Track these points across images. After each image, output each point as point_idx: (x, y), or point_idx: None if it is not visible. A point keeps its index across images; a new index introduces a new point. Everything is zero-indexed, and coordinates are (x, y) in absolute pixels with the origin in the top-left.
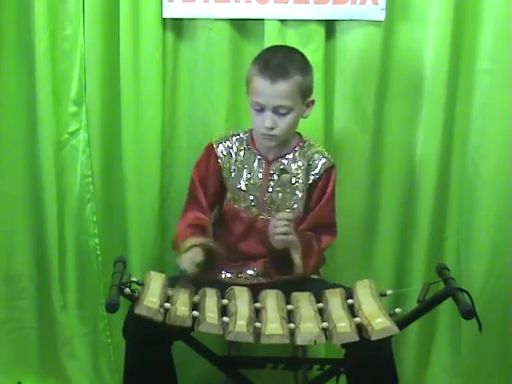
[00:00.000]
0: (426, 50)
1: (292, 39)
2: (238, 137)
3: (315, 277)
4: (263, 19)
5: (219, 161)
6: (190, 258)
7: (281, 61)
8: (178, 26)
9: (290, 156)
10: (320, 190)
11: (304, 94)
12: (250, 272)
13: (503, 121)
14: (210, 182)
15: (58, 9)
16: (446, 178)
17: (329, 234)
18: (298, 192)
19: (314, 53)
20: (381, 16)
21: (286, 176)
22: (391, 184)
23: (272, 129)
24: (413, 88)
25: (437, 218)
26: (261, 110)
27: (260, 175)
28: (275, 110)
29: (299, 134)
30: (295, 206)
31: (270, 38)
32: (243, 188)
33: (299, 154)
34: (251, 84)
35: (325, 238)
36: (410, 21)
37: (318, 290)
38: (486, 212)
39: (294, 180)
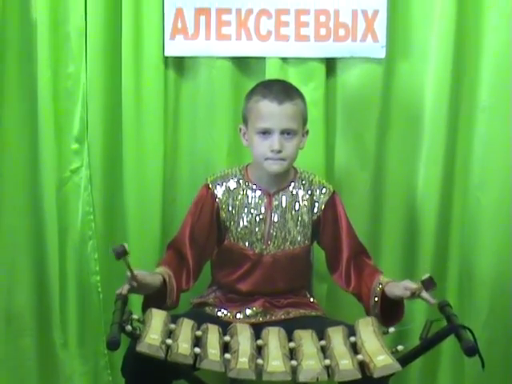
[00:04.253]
0: (427, 86)
1: (293, 77)
2: (234, 174)
3: (317, 314)
4: (264, 57)
5: (217, 200)
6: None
7: (282, 86)
8: (179, 64)
9: (290, 187)
10: (331, 219)
11: (304, 119)
12: (248, 312)
13: (504, 156)
14: (204, 225)
15: (61, 47)
16: (447, 214)
17: (369, 258)
18: (302, 224)
19: (314, 90)
20: (381, 53)
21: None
22: (392, 220)
23: (280, 152)
24: (413, 124)
25: (439, 253)
26: (267, 135)
27: (262, 209)
28: (282, 133)
29: (294, 167)
30: (299, 238)
31: (271, 76)
32: (246, 225)
33: (299, 186)
34: (254, 112)
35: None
36: (410, 58)
37: (320, 327)
38: (488, 247)
39: (298, 212)
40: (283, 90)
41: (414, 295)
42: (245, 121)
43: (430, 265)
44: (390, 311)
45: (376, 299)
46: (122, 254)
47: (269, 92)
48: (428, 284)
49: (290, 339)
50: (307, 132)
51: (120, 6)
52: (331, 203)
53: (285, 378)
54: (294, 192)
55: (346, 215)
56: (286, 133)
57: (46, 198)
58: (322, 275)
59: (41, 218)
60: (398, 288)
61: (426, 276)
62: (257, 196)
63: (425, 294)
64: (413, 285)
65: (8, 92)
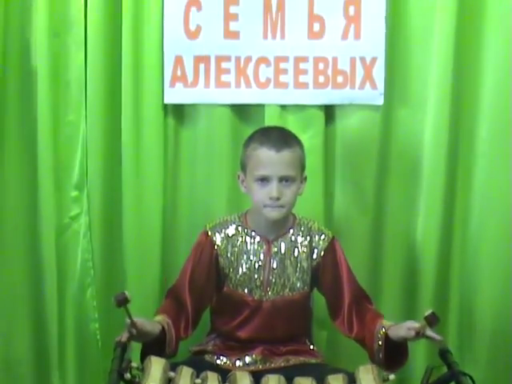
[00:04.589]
0: (425, 133)
1: (292, 124)
2: (233, 221)
3: (317, 361)
4: (263, 104)
5: (216, 247)
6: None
7: (280, 133)
8: (179, 111)
9: (289, 234)
10: (331, 265)
11: (302, 166)
12: (248, 359)
13: (504, 203)
14: (203, 272)
15: (61, 95)
16: (446, 261)
17: (371, 303)
18: (301, 270)
19: (313, 137)
20: (379, 100)
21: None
22: (392, 267)
23: (278, 199)
24: (412, 171)
25: (439, 299)
26: (265, 182)
27: (262, 256)
28: (280, 180)
29: (292, 213)
30: (299, 284)
31: (270, 123)
32: (245, 271)
33: (298, 232)
34: (252, 159)
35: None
36: (409, 105)
37: (321, 374)
38: (488, 295)
39: (297, 258)
40: (281, 137)
41: (419, 335)
42: (243, 168)
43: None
44: (393, 356)
45: (380, 343)
46: (123, 302)
47: (267, 139)
48: (432, 319)
49: None
50: (305, 178)
51: (120, 53)
52: (331, 249)
53: None
54: (293, 238)
55: (346, 261)
56: (284, 180)
57: (45, 244)
58: (322, 322)
59: (40, 265)
60: (402, 329)
61: (428, 312)
62: (256, 242)
63: (430, 332)
64: (416, 324)
65: (8, 139)
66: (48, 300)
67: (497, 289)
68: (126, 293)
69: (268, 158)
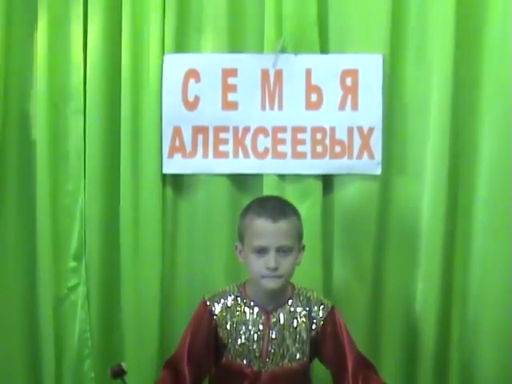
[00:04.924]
0: (423, 202)
1: (290, 193)
2: (231, 291)
3: None
4: (262, 174)
5: (215, 318)
6: None
7: (276, 203)
8: (177, 182)
9: (288, 304)
10: (332, 335)
11: (299, 235)
12: None
13: (503, 269)
14: (202, 343)
15: (60, 165)
16: (446, 328)
17: (376, 373)
18: (300, 341)
19: (311, 207)
20: (377, 170)
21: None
22: (391, 334)
23: (276, 269)
24: (410, 240)
25: (439, 367)
26: (263, 253)
27: (261, 327)
28: (278, 250)
29: (291, 283)
30: (298, 355)
31: (269, 192)
32: (244, 342)
33: (296, 302)
34: (249, 230)
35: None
36: (406, 174)
37: None
38: (488, 360)
39: (296, 329)
40: (277, 207)
41: None
42: (241, 239)
43: (430, 376)
44: None
45: None
46: (119, 373)
47: (263, 210)
48: None
49: None
50: (303, 247)
51: (118, 124)
52: (330, 319)
53: None
54: (292, 309)
55: (346, 330)
56: (281, 250)
57: (42, 315)
58: None
59: (37, 335)
60: None
61: None
62: (255, 313)
63: None
64: None
65: (7, 208)
66: (46, 371)
67: (497, 354)
68: (123, 364)
69: (265, 229)
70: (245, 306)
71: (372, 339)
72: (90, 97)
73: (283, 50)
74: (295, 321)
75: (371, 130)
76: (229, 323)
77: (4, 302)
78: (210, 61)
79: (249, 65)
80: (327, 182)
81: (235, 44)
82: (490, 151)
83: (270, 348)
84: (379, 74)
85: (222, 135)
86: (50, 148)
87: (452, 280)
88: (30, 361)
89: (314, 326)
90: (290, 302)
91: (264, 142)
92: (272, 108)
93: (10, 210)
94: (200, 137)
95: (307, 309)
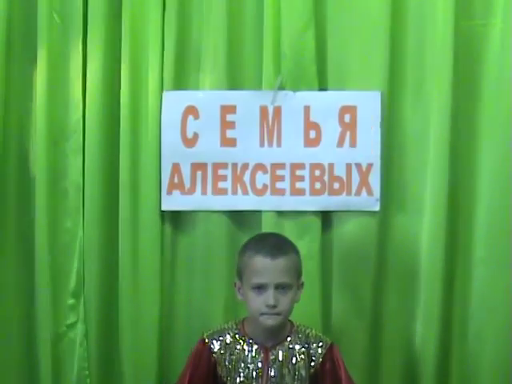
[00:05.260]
0: (422, 238)
1: (289, 230)
2: (230, 329)
3: None
4: (260, 211)
5: (214, 355)
6: None
7: (274, 240)
8: (176, 218)
9: (287, 342)
10: (330, 372)
11: (298, 272)
12: None
13: (503, 310)
14: (201, 380)
15: (59, 202)
16: (445, 368)
17: None
18: (299, 378)
19: (310, 243)
20: (376, 206)
21: None
22: (390, 373)
23: (275, 307)
24: (409, 276)
25: None
26: (262, 290)
27: (259, 364)
28: (277, 287)
29: (290, 320)
30: None
31: (267, 229)
32: (243, 380)
33: (295, 340)
34: (248, 267)
35: None
36: (405, 210)
37: None
38: None
39: (295, 366)
40: (276, 244)
41: None
42: (239, 276)
43: None
44: None
45: None
46: None
47: (261, 247)
48: None
49: None
50: (302, 284)
51: (117, 161)
52: (329, 356)
53: None
54: (291, 346)
55: (345, 367)
56: (280, 287)
57: (41, 353)
58: None
59: (36, 373)
60: None
61: None
62: (253, 350)
63: None
64: None
65: (6, 245)
66: None
67: None
68: None
69: (263, 266)
70: (244, 343)
71: (371, 377)
72: (89, 134)
73: (282, 87)
74: (294, 358)
75: (370, 166)
76: (228, 361)
77: (2, 339)
78: (208, 98)
79: (247, 102)
80: (326, 218)
81: (234, 81)
82: (489, 188)
83: None
84: (377, 111)
85: (221, 172)
86: (49, 185)
87: (451, 317)
88: None
89: (312, 363)
90: (288, 339)
91: (263, 179)
92: (271, 145)
93: (8, 246)
94: (199, 173)
95: (306, 346)
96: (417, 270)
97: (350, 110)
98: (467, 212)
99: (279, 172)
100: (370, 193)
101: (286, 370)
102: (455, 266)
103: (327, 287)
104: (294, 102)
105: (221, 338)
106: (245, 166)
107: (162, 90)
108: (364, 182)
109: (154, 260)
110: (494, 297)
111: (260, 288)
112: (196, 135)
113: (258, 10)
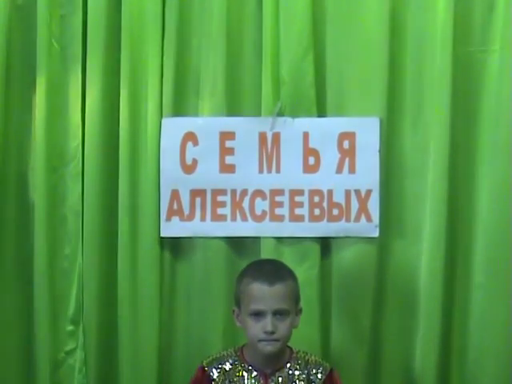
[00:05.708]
0: (421, 265)
1: (287, 256)
2: (229, 356)
3: None
4: (259, 237)
5: (213, 383)
6: None
7: (272, 266)
8: (175, 245)
9: (287, 368)
10: None
11: (296, 298)
12: None
13: (501, 335)
14: None
15: (57, 228)
16: None
17: None
18: None
19: (309, 270)
20: (375, 233)
21: None
22: None
23: (273, 333)
24: (408, 303)
25: None
26: (260, 316)
27: None
28: (275, 314)
29: (289, 346)
30: None
31: (266, 256)
32: None
33: (295, 366)
34: (246, 294)
35: None
36: (404, 236)
37: None
38: None
39: None
40: (273, 271)
41: None
42: (237, 303)
43: None
44: None
45: None
46: None
47: (259, 273)
48: None
49: None
50: (301, 310)
51: (116, 187)
52: (329, 382)
53: None
54: (291, 372)
55: None
56: (278, 313)
57: (39, 380)
58: None
59: None
60: None
61: None
62: (253, 377)
63: None
64: None
65: (4, 271)
66: None
67: None
68: None
69: (261, 293)
70: (243, 370)
71: None
72: (87, 160)
73: (280, 114)
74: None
75: (369, 192)
76: None
77: (1, 365)
78: (207, 124)
79: (246, 128)
80: (325, 244)
81: (233, 107)
82: (488, 214)
83: None
84: (376, 137)
85: (220, 198)
86: (48, 211)
87: (451, 343)
88: None
89: None
90: (288, 365)
91: (262, 205)
92: (270, 171)
93: (7, 272)
94: (198, 200)
95: (306, 372)
96: (416, 296)
97: (348, 136)
98: (466, 238)
99: (278, 198)
100: (369, 219)
101: None
102: (454, 291)
103: (326, 313)
104: (293, 128)
105: (220, 366)
106: (244, 192)
107: (161, 116)
108: (363, 209)
109: (152, 286)
110: (493, 322)
111: (258, 315)
112: (195, 161)
113: (257, 36)
